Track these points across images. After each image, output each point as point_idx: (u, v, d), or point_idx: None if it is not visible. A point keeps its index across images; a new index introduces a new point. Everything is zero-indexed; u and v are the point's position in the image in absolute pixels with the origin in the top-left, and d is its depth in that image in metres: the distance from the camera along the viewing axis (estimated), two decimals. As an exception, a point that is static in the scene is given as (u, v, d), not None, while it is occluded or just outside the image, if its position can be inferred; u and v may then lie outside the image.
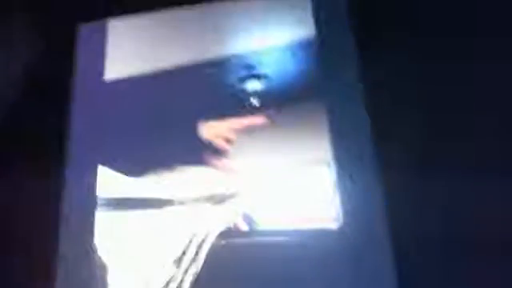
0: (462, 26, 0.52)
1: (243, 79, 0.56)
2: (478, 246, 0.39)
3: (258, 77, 0.55)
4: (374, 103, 0.48)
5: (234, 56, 0.60)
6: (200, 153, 0.56)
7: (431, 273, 0.39)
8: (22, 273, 0.55)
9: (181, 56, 0.63)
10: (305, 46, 0.56)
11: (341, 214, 0.43)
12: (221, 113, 0.55)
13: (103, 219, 0.53)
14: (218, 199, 0.50)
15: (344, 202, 0.43)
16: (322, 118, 0.50)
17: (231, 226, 0.47)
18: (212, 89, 0.56)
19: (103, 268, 0.50)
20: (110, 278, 0.50)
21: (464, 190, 0.41)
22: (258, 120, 0.55)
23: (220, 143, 0.56)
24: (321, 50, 0.55)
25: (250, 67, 0.57)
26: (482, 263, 0.39)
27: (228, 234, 0.47)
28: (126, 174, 0.57)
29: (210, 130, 0.57)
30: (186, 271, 0.47)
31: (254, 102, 0.54)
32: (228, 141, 0.56)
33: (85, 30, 0.67)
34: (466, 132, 0.45)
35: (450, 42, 0.51)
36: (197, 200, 0.51)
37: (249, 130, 0.56)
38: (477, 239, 0.40)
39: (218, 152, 0.55)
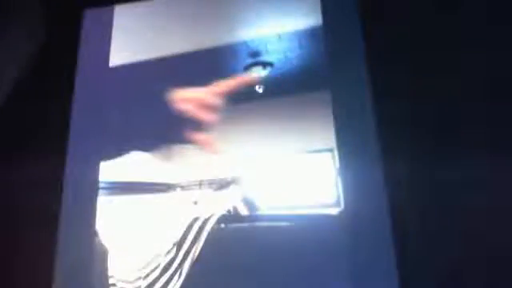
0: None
1: (248, 66, 0.56)
2: (477, 235, 0.39)
3: (263, 64, 0.55)
4: (379, 92, 0.48)
5: (240, 43, 0.60)
6: (178, 129, 0.47)
7: (430, 256, 0.39)
8: (22, 256, 0.56)
9: (186, 42, 0.63)
10: (312, 35, 0.56)
11: (342, 200, 0.43)
12: (226, 98, 0.55)
13: (105, 203, 0.53)
14: (220, 184, 0.50)
15: (346, 189, 0.43)
16: (327, 106, 0.50)
17: (231, 210, 0.47)
18: (217, 75, 0.56)
19: (103, 251, 0.50)
20: (111, 261, 0.50)
21: (469, 178, 0.41)
22: (243, 80, 0.47)
23: (200, 113, 0.45)
24: (328, 39, 0.55)
25: (255, 54, 0.57)
26: (481, 243, 0.39)
27: (228, 218, 0.47)
28: (128, 159, 0.57)
29: (187, 100, 0.46)
30: (187, 254, 0.48)
31: (259, 89, 0.54)
32: (211, 108, 0.46)
33: (90, 15, 0.67)
34: (474, 125, 0.45)
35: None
36: (198, 185, 0.51)
37: (235, 91, 0.48)
38: (481, 220, 0.40)
39: (198, 125, 0.46)
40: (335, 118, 0.48)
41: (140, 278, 0.48)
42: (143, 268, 0.48)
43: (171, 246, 0.49)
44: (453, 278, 0.40)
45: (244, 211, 0.47)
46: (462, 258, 0.39)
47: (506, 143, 0.43)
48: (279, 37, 0.59)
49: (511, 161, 0.41)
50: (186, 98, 0.46)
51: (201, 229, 0.48)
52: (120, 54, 0.63)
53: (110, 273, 0.49)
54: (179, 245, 0.48)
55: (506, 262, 0.38)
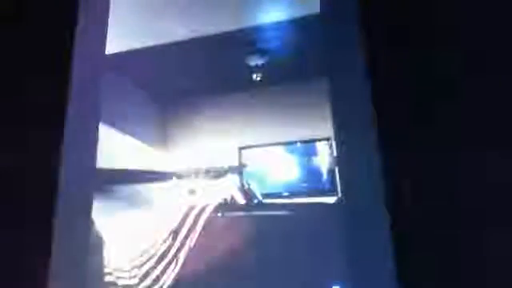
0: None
1: (247, 54, 0.55)
2: (477, 219, 0.39)
3: (261, 52, 0.54)
4: (377, 80, 0.47)
5: (238, 31, 0.59)
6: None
7: (427, 242, 0.39)
8: (17, 245, 0.55)
9: (184, 30, 0.62)
10: (310, 22, 0.55)
11: (339, 189, 0.42)
12: (223, 87, 0.55)
13: (101, 192, 0.53)
14: (217, 173, 0.50)
15: (343, 177, 0.42)
16: (325, 95, 0.50)
17: (228, 199, 0.47)
18: (215, 63, 0.55)
19: (100, 240, 0.50)
20: (107, 250, 0.50)
21: (463, 167, 0.41)
22: None
23: None
24: (326, 27, 0.54)
25: (253, 42, 0.56)
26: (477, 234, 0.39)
27: (225, 206, 0.47)
28: (124, 148, 0.56)
29: None
30: (183, 242, 0.47)
31: (257, 76, 0.53)
32: None
33: (87, 1, 0.66)
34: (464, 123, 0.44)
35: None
36: (195, 173, 0.51)
37: None
38: (476, 211, 0.39)
39: None
40: (333, 106, 0.48)
41: (136, 267, 0.47)
42: (139, 257, 0.48)
43: (167, 234, 0.49)
44: (446, 261, 0.39)
45: (241, 200, 0.47)
46: (461, 244, 0.39)
47: (506, 140, 0.42)
48: (277, 25, 0.58)
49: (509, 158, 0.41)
50: None
51: (197, 217, 0.48)
52: (117, 41, 0.62)
53: (105, 262, 0.49)
54: (175, 233, 0.48)
55: (505, 259, 0.38)
